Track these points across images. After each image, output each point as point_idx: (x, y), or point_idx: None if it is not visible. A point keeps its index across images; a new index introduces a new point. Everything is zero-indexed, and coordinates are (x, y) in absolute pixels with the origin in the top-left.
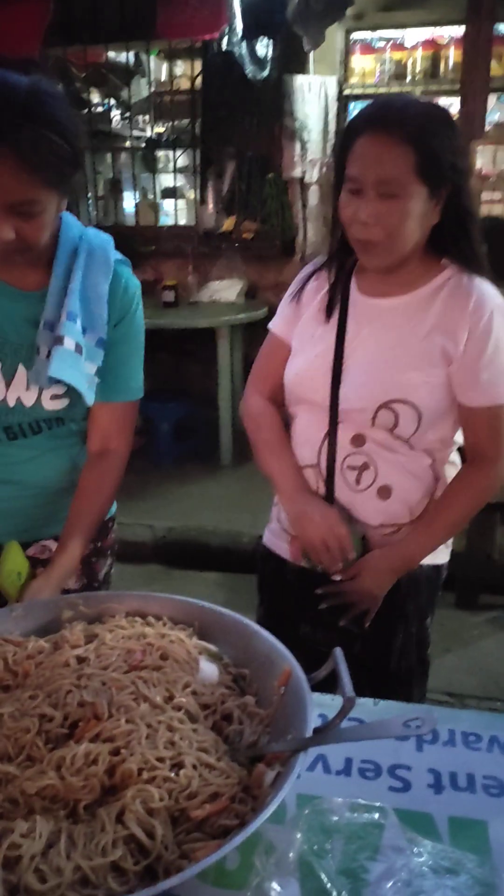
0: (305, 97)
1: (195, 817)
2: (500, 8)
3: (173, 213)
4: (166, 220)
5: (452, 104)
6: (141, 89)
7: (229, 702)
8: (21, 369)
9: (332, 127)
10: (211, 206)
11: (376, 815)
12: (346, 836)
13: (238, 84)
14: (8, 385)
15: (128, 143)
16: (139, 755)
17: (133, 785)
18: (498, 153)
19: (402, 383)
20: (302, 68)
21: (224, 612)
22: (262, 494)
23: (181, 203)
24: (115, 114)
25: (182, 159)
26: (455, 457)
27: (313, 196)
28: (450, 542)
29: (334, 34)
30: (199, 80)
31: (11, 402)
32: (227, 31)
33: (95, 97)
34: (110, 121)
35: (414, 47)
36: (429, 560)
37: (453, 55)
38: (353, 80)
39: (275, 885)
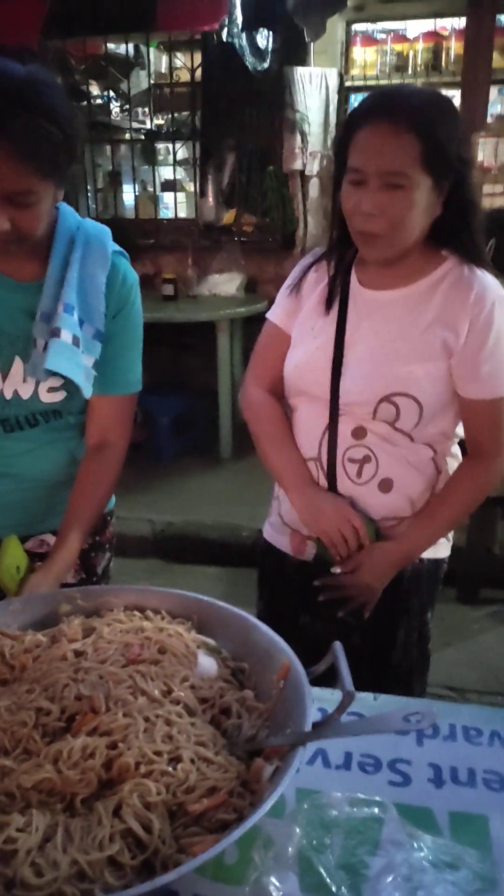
0: (306, 89)
1: (193, 811)
2: None
3: (173, 205)
4: (166, 212)
5: (454, 96)
6: (140, 81)
7: (228, 696)
8: (18, 361)
9: (332, 119)
10: (211, 198)
11: (376, 810)
12: (345, 830)
13: (238, 76)
14: (4, 377)
15: (127, 136)
16: (136, 749)
17: (130, 779)
18: (499, 145)
19: (404, 376)
20: (302, 60)
21: (223, 606)
22: (262, 488)
23: (181, 196)
24: (115, 106)
25: (182, 152)
26: (457, 449)
27: (314, 189)
28: (451, 536)
29: (335, 25)
30: (198, 72)
31: (8, 395)
32: (226, 22)
33: (95, 89)
34: (110, 113)
35: (415, 39)
36: (430, 554)
37: (455, 47)
38: (354, 71)
39: (273, 880)
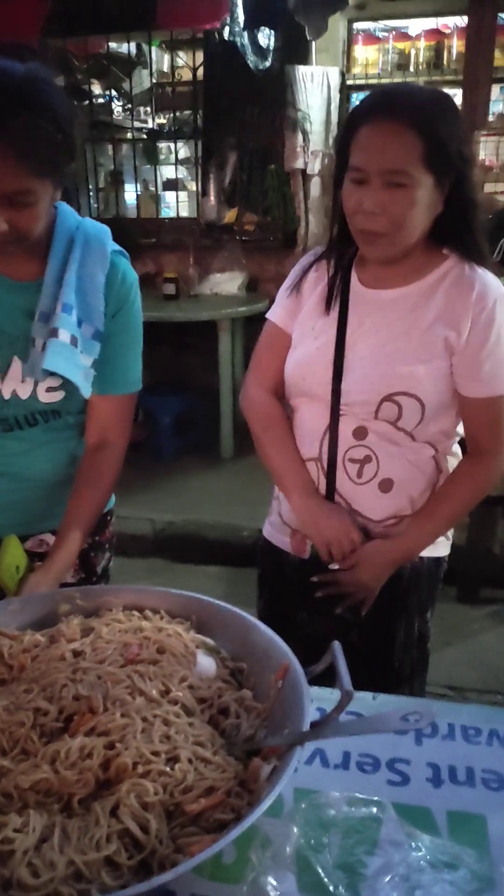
0: (307, 88)
1: (190, 811)
2: None
3: (174, 204)
4: (168, 212)
5: (456, 95)
6: (142, 80)
7: (226, 696)
8: (16, 361)
9: (334, 118)
10: (212, 197)
11: (374, 810)
12: (343, 830)
13: (240, 74)
14: (3, 377)
15: (129, 135)
16: (134, 749)
17: (128, 779)
18: (501, 144)
19: (406, 376)
20: (304, 58)
21: (222, 606)
22: (263, 488)
23: (182, 195)
24: (117, 105)
25: (183, 151)
26: (457, 448)
27: (315, 187)
28: (450, 534)
29: (337, 24)
30: (200, 71)
31: (7, 395)
32: (228, 20)
33: (96, 88)
34: (111, 112)
35: (417, 37)
36: (429, 553)
37: (456, 45)
38: (356, 70)
39: (271, 880)
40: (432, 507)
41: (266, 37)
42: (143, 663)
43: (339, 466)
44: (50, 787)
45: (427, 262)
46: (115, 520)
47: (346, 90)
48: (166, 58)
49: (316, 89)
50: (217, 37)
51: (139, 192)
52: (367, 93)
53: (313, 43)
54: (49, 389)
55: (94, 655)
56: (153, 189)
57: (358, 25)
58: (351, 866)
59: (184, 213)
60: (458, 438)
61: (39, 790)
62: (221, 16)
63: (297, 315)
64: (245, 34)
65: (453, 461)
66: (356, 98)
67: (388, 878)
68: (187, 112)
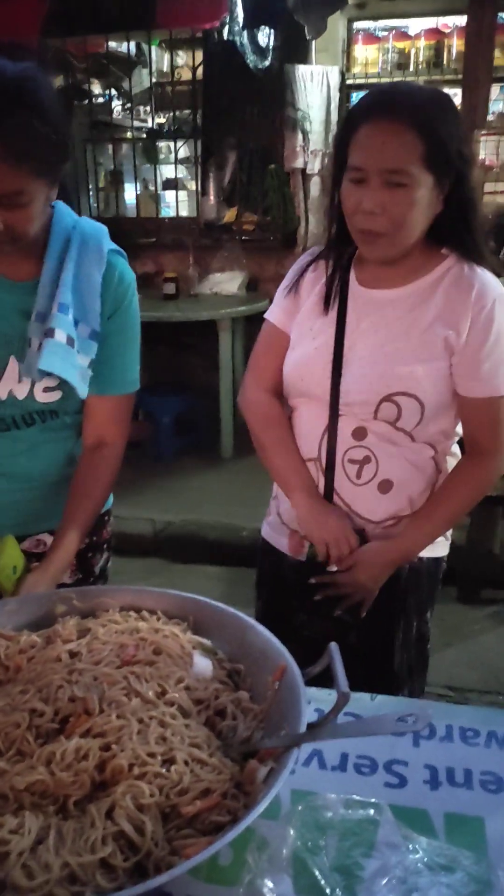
0: (307, 87)
1: (186, 813)
2: None
3: (174, 204)
4: (167, 211)
5: (455, 94)
6: (142, 80)
7: (223, 697)
8: (13, 361)
9: (334, 117)
10: (212, 197)
11: (371, 812)
12: (340, 832)
13: (239, 74)
14: (0, 377)
15: (129, 134)
16: (130, 751)
17: (123, 781)
18: (501, 143)
19: (405, 376)
20: (304, 58)
21: (219, 607)
22: (263, 488)
23: (182, 194)
24: (116, 104)
25: (183, 150)
26: (456, 448)
27: (315, 187)
28: (449, 534)
29: (336, 23)
30: (200, 71)
31: (3, 395)
32: (227, 20)
33: (96, 88)
34: (111, 111)
35: (417, 36)
36: (428, 553)
37: (456, 44)
38: (356, 69)
39: (268, 882)
40: (431, 507)
41: (265, 36)
42: (139, 664)
43: (338, 467)
44: (45, 789)
45: (426, 262)
46: (114, 520)
47: (345, 89)
48: (166, 57)
49: (316, 89)
50: (216, 36)
51: (139, 192)
52: (366, 92)
53: (313, 42)
54: (46, 389)
55: (91, 656)
56: (153, 188)
57: (358, 25)
58: (348, 868)
59: (183, 213)
60: (457, 439)
61: (35, 792)
62: (221, 15)
63: (296, 315)
64: (244, 33)
65: (452, 461)
66: (356, 97)
67: (384, 881)
68: (187, 111)
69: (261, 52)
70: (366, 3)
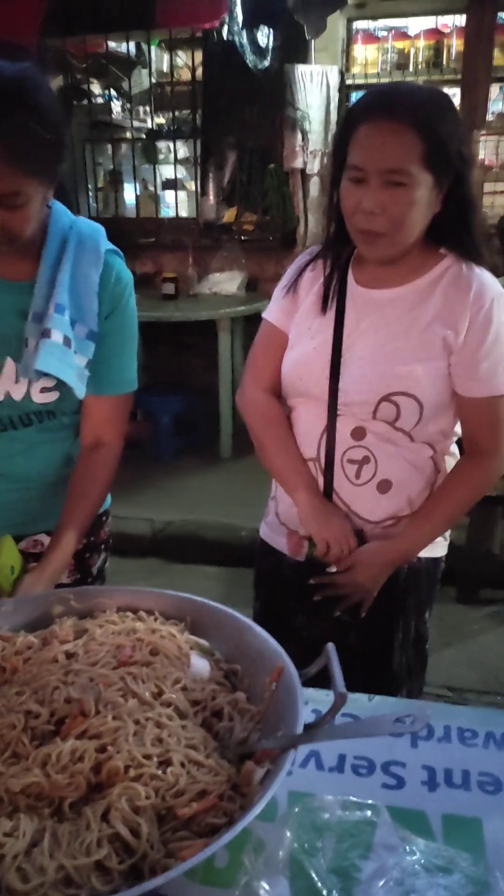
0: (307, 87)
1: (182, 815)
2: None
3: (174, 204)
4: (167, 211)
5: (455, 94)
6: (142, 80)
7: (220, 698)
8: (10, 362)
9: (333, 117)
10: (211, 197)
11: (368, 813)
12: (337, 834)
13: (239, 74)
14: None
15: (128, 134)
16: (126, 752)
17: (119, 782)
18: (501, 144)
19: (404, 376)
20: (303, 58)
21: (216, 607)
22: (262, 488)
23: (182, 194)
24: (116, 105)
25: (183, 150)
26: (455, 448)
27: (314, 187)
28: (448, 534)
29: (336, 23)
30: (199, 71)
31: (0, 396)
32: (227, 19)
33: (96, 88)
34: (110, 112)
35: (416, 36)
36: (427, 553)
37: (456, 44)
38: (355, 69)
39: (264, 884)
40: (430, 507)
41: (265, 36)
42: (136, 665)
43: (337, 467)
44: (41, 791)
45: (424, 262)
46: (112, 520)
47: (345, 89)
48: (165, 57)
49: (315, 89)
50: (216, 36)
51: (138, 192)
52: (365, 92)
53: (312, 42)
54: (43, 390)
55: (87, 657)
56: (152, 189)
57: (357, 24)
58: (345, 870)
59: (183, 213)
60: (455, 438)
61: (30, 794)
62: (220, 15)
63: (294, 314)
64: (244, 33)
65: (451, 461)
66: (355, 97)
67: (382, 883)
68: (186, 111)
69: (260, 51)
70: (365, 3)
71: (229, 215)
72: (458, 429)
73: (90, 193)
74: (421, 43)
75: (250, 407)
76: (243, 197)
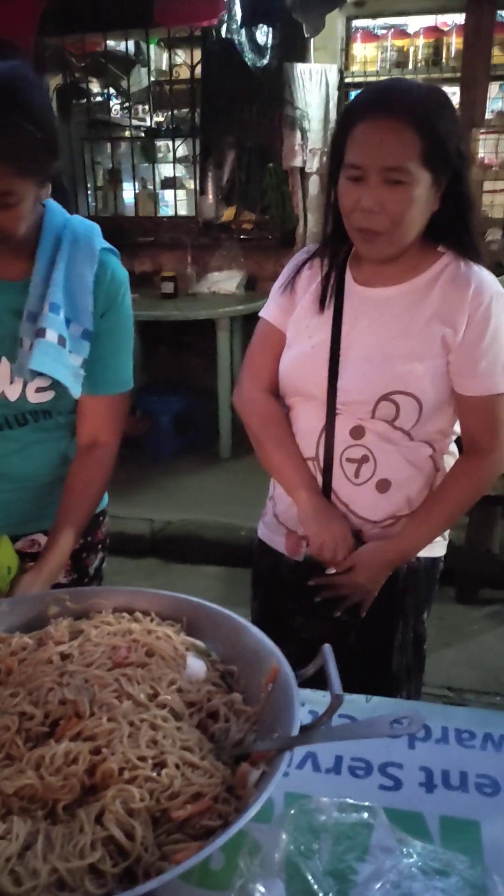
0: (306, 85)
1: (177, 818)
2: None
3: (173, 203)
4: (166, 210)
5: (454, 92)
6: (140, 78)
7: (216, 699)
8: (4, 362)
9: (333, 116)
10: (210, 196)
11: (365, 815)
12: (334, 836)
13: (238, 72)
14: None
15: (127, 133)
16: (120, 754)
17: (114, 785)
18: (500, 142)
19: (403, 374)
20: (302, 56)
21: (213, 608)
22: (261, 488)
23: (181, 193)
24: (115, 103)
25: (182, 149)
26: (454, 447)
27: (314, 186)
28: (446, 534)
29: (335, 21)
30: (198, 69)
31: None
32: (225, 18)
33: (94, 87)
34: (109, 110)
35: (416, 34)
36: (426, 553)
37: (455, 42)
38: (355, 68)
39: (259, 887)
40: (429, 507)
41: (264, 34)
42: (131, 666)
43: (336, 466)
44: (34, 793)
45: (422, 260)
46: (109, 520)
47: (344, 88)
48: (164, 56)
49: (314, 87)
50: (215, 34)
51: (137, 191)
52: (362, 90)
53: (311, 40)
54: (39, 390)
55: (82, 658)
56: (151, 187)
57: (356, 23)
58: (341, 873)
59: (182, 212)
60: (454, 437)
61: (24, 796)
62: (219, 13)
63: (291, 313)
64: (243, 32)
65: (450, 460)
66: (354, 96)
67: (378, 885)
68: (185, 110)
69: (259, 50)
70: (364, 1)
71: (228, 214)
72: (457, 428)
73: (89, 192)
74: (420, 41)
75: (248, 406)
76: (242, 196)
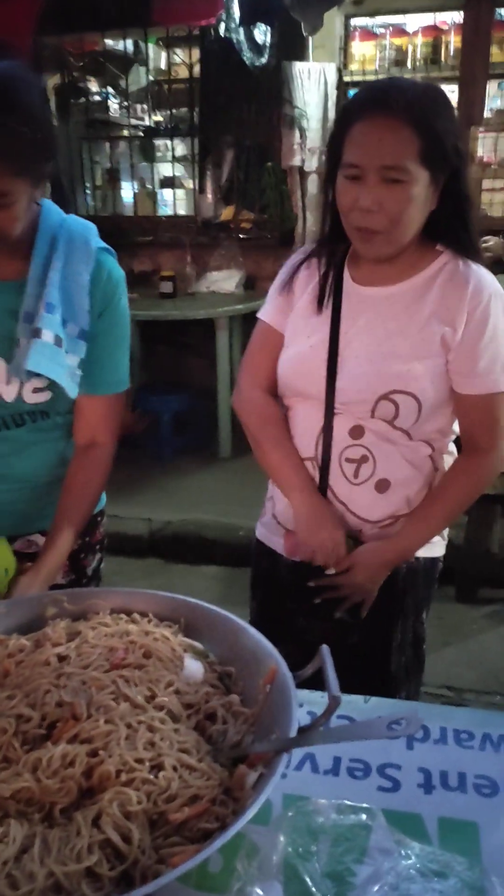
0: (304, 84)
1: (174, 820)
2: None
3: (172, 202)
4: (165, 209)
5: (453, 91)
6: (139, 77)
7: (213, 701)
8: (1, 362)
9: (331, 115)
10: (209, 195)
11: (363, 817)
12: (332, 838)
13: (236, 71)
14: None
15: (126, 132)
16: (117, 757)
17: (111, 787)
18: (499, 140)
19: (403, 374)
20: (301, 55)
21: (211, 609)
22: (261, 487)
23: (179, 193)
24: (113, 102)
25: (180, 148)
26: (453, 447)
27: (312, 185)
28: (445, 534)
29: (334, 20)
30: (197, 68)
31: None
32: (224, 17)
33: (93, 86)
34: (108, 109)
35: (414, 33)
36: (425, 553)
37: (454, 41)
38: (353, 66)
39: (257, 890)
40: (427, 505)
41: (262, 33)
42: (128, 668)
43: (335, 466)
44: (31, 796)
45: (421, 259)
46: (107, 520)
47: (343, 86)
48: (163, 55)
49: (313, 86)
50: (213, 33)
51: (136, 190)
52: (359, 88)
53: (310, 39)
54: (35, 390)
55: (80, 660)
56: (150, 187)
57: (355, 21)
58: (339, 875)
59: (181, 211)
60: (454, 437)
61: (20, 799)
62: (217, 12)
63: (289, 314)
64: (241, 30)
65: (449, 460)
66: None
67: (376, 887)
68: (184, 109)
69: (258, 49)
70: (363, 0)
71: (227, 213)
72: (456, 427)
73: (88, 192)
74: (419, 40)
75: (247, 406)
76: (241, 195)
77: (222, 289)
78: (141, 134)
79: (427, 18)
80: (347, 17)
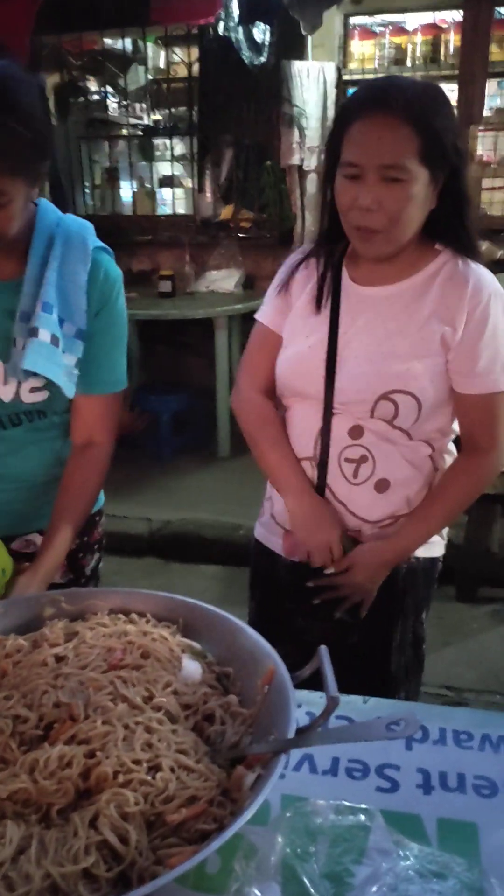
0: (304, 83)
1: (171, 822)
2: None
3: (170, 201)
4: (164, 209)
5: (453, 89)
6: (138, 77)
7: (212, 701)
8: None
9: (330, 113)
10: (208, 194)
11: (362, 817)
12: (330, 838)
13: (235, 70)
14: None
15: (124, 132)
16: (115, 758)
17: (108, 788)
18: (498, 139)
19: (402, 373)
20: (300, 54)
21: (209, 609)
22: (260, 487)
23: (178, 192)
24: (112, 102)
25: (179, 147)
26: (453, 447)
27: (312, 184)
28: (445, 534)
29: (333, 19)
30: (196, 67)
31: None
32: (223, 15)
33: (92, 85)
34: (107, 109)
35: (414, 32)
36: (425, 553)
37: (454, 40)
38: (353, 65)
39: (255, 890)
40: (427, 505)
41: (261, 32)
42: (126, 668)
43: (335, 466)
44: (28, 797)
45: (420, 258)
46: (105, 520)
47: (342, 85)
48: (162, 54)
49: (312, 85)
50: (212, 32)
51: (135, 189)
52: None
53: (309, 38)
54: (33, 390)
55: (77, 661)
56: (149, 186)
57: (354, 20)
58: (337, 875)
59: (180, 210)
60: (453, 436)
61: (17, 800)
62: (215, 11)
63: (287, 314)
64: (240, 29)
65: (449, 460)
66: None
67: (375, 888)
68: (183, 108)
69: (256, 48)
70: None
71: (226, 212)
72: (455, 427)
73: (87, 191)
74: (418, 38)
75: (245, 406)
76: (240, 194)
77: (221, 288)
78: (140, 133)
79: (426, 17)
80: (346, 16)
